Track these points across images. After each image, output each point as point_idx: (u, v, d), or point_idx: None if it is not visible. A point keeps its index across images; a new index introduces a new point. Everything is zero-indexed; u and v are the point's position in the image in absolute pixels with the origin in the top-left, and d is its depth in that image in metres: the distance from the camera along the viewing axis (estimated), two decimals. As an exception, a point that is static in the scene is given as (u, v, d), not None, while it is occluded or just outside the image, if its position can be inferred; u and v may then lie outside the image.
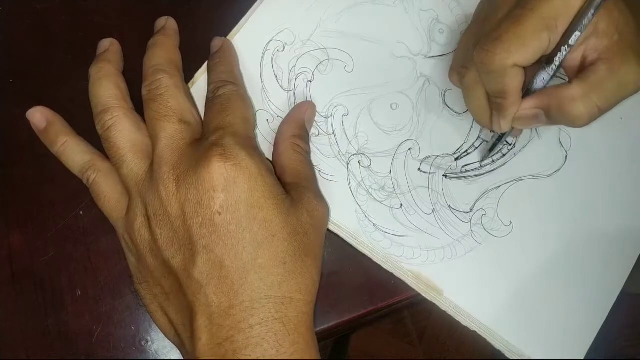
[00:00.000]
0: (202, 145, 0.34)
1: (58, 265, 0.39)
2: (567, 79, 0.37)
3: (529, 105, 0.37)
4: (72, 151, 0.38)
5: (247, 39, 0.43)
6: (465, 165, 0.43)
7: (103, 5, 0.44)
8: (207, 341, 0.32)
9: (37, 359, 0.38)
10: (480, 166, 0.43)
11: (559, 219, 0.43)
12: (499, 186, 0.43)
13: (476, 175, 0.43)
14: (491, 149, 0.41)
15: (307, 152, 0.40)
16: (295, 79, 0.43)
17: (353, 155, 0.42)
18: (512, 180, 0.43)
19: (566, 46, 0.35)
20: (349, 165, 0.42)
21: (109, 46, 0.40)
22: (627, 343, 0.53)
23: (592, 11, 0.34)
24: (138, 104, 0.38)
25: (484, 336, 0.41)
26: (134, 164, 0.35)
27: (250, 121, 0.37)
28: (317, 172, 0.41)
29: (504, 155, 0.44)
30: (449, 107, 0.44)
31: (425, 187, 0.42)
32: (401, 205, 0.42)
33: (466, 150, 0.43)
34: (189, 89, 0.38)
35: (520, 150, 0.44)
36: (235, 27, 0.43)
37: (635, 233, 0.43)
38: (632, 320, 0.53)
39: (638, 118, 0.45)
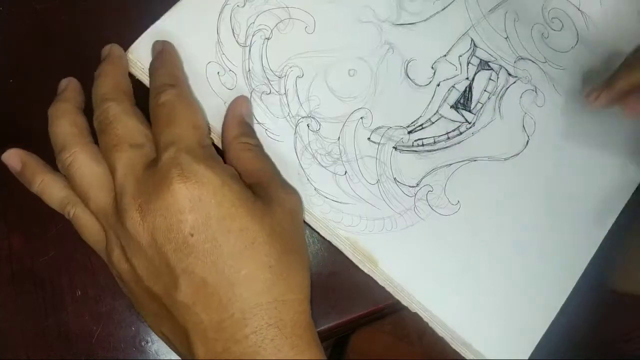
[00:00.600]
0: (158, 167, 0.33)
1: (58, 265, 0.39)
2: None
3: None
4: (50, 189, 0.37)
5: (208, -8, 0.42)
6: (418, 140, 0.42)
7: (103, 5, 0.44)
8: (204, 354, 0.32)
9: (37, 359, 0.38)
10: (435, 142, 0.42)
11: (510, 206, 0.41)
12: (451, 164, 0.42)
13: (428, 151, 0.42)
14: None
15: (257, 146, 0.39)
16: (253, 36, 0.42)
17: (303, 117, 0.42)
18: (466, 160, 0.42)
19: None
20: (297, 128, 0.41)
21: (67, 85, 0.39)
22: (627, 343, 0.51)
23: None
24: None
25: (425, 318, 0.39)
26: (98, 199, 0.34)
27: (200, 127, 0.35)
28: (263, 130, 0.41)
29: (461, 133, 0.42)
30: (410, 78, 0.43)
31: (372, 157, 0.41)
32: (345, 172, 0.41)
33: (421, 125, 0.42)
34: (140, 112, 0.37)
35: (479, 130, 0.43)
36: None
37: (591, 230, 0.41)
38: (632, 321, 0.52)
39: (608, 112, 0.43)
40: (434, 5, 0.44)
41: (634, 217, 0.41)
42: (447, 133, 0.42)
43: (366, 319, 0.41)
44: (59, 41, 0.43)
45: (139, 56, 0.41)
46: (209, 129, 0.39)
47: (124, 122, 0.35)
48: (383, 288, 0.40)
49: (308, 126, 0.41)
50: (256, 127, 0.41)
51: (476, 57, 0.44)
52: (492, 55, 0.44)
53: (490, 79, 0.43)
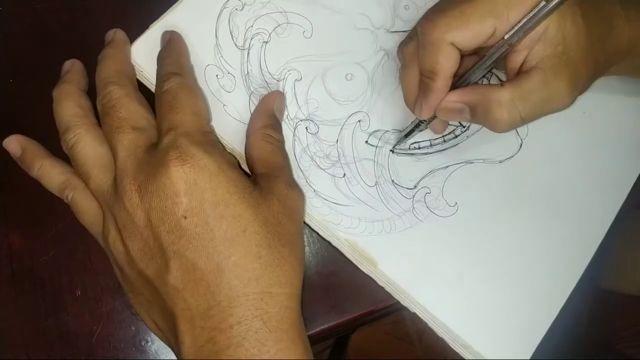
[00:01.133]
0: (157, 150, 0.33)
1: (58, 265, 0.39)
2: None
3: (455, 98, 0.36)
4: (49, 173, 0.38)
5: (206, -5, 0.43)
6: (414, 143, 0.42)
7: (103, 6, 0.44)
8: (190, 344, 0.32)
9: (37, 359, 0.38)
10: (431, 145, 0.42)
11: (507, 207, 0.42)
12: (447, 166, 0.42)
13: (425, 154, 0.42)
14: (407, 134, 0.41)
15: (280, 141, 0.39)
16: (251, 39, 0.43)
17: (301, 120, 0.42)
18: (462, 162, 0.42)
19: (503, 42, 0.34)
20: (296, 130, 0.42)
21: (70, 67, 0.40)
22: (627, 343, 0.51)
23: (543, 12, 0.32)
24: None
25: (425, 319, 0.39)
26: (99, 179, 0.35)
27: (201, 114, 0.36)
28: (262, 133, 0.41)
29: (456, 136, 0.43)
30: (405, 83, 0.43)
31: (370, 160, 0.42)
32: (344, 174, 0.41)
33: (418, 127, 0.43)
34: (142, 96, 0.38)
35: (473, 133, 0.43)
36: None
37: (590, 230, 0.42)
38: (632, 321, 0.52)
39: (601, 114, 0.45)
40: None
41: (627, 217, 0.42)
42: (443, 136, 0.43)
43: (366, 319, 0.41)
44: (59, 41, 0.43)
45: (137, 58, 0.41)
46: (211, 117, 0.39)
47: (127, 105, 0.36)
48: (383, 288, 0.40)
49: (306, 129, 0.42)
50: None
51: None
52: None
53: (482, 83, 0.44)
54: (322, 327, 0.39)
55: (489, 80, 0.44)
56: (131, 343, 0.38)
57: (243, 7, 0.43)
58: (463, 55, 0.35)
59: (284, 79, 0.42)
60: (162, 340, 0.36)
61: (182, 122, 0.34)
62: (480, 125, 0.43)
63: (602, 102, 0.44)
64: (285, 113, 0.42)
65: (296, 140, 0.41)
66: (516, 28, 0.33)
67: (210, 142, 0.35)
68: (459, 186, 0.42)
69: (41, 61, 0.43)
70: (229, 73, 0.42)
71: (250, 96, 0.41)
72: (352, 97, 0.43)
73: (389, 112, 0.43)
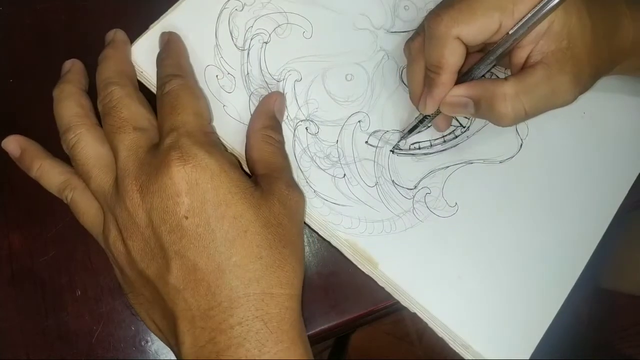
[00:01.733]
0: (159, 150, 0.33)
1: (58, 265, 0.39)
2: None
3: (459, 92, 0.36)
4: (48, 174, 0.38)
5: (206, -4, 0.43)
6: (415, 143, 0.42)
7: (103, 5, 0.44)
8: (190, 344, 0.32)
9: (37, 359, 0.38)
10: (431, 145, 0.42)
11: (508, 207, 0.42)
12: (448, 167, 0.42)
13: (425, 154, 0.42)
14: (410, 131, 0.41)
15: (280, 142, 0.39)
16: (251, 39, 0.43)
17: (301, 121, 0.42)
18: (462, 163, 0.42)
19: (508, 36, 0.34)
20: (296, 131, 0.42)
21: (71, 67, 0.40)
22: (627, 343, 0.51)
23: (548, 7, 0.32)
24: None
25: (425, 319, 0.39)
26: (99, 179, 0.35)
27: (203, 114, 0.36)
28: (262, 133, 0.41)
29: (456, 136, 0.43)
30: (405, 83, 0.43)
31: (370, 160, 0.42)
32: (344, 175, 0.41)
33: (417, 128, 0.43)
34: (143, 96, 0.38)
35: (473, 134, 0.43)
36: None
37: (588, 230, 0.42)
38: (631, 321, 0.52)
39: (602, 115, 0.44)
40: (426, 14, 0.45)
41: (627, 217, 0.42)
42: (443, 137, 0.43)
43: (366, 319, 0.41)
44: (59, 41, 0.43)
45: (137, 59, 0.41)
46: (212, 117, 0.39)
47: (128, 106, 0.36)
48: (383, 288, 0.40)
49: (307, 129, 0.42)
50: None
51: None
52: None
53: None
54: (322, 327, 0.39)
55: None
56: (131, 343, 0.38)
57: (243, 8, 0.43)
58: (468, 51, 0.35)
59: (284, 79, 0.42)
60: (162, 340, 0.36)
61: (183, 122, 0.34)
62: (481, 126, 0.43)
63: (602, 102, 0.44)
64: (285, 113, 0.42)
65: (296, 141, 0.41)
66: (521, 23, 0.33)
67: (212, 143, 0.35)
68: (459, 186, 0.42)
69: (41, 61, 0.43)
70: (228, 74, 0.42)
71: (250, 97, 0.41)
72: (352, 98, 0.43)
73: (389, 113, 0.43)
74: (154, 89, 0.40)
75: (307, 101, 0.42)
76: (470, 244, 0.41)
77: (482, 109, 0.36)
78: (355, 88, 0.43)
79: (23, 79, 0.42)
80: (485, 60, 0.36)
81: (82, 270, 0.39)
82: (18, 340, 0.37)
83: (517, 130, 0.44)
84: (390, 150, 0.42)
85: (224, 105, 0.41)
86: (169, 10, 0.42)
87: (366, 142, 0.42)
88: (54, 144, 0.38)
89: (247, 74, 0.42)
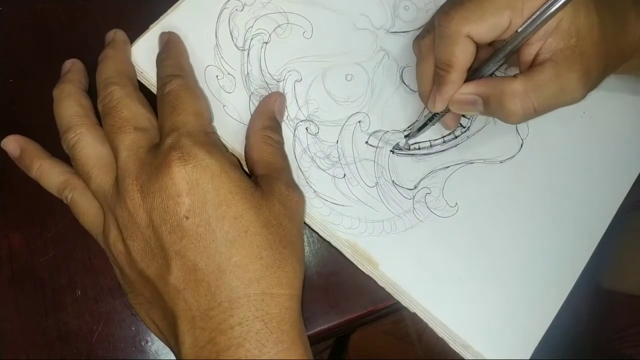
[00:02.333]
0: (160, 150, 0.33)
1: (58, 265, 0.39)
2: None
3: (468, 90, 0.36)
4: (48, 174, 0.38)
5: (206, -4, 0.43)
6: (415, 143, 0.42)
7: (103, 6, 0.44)
8: (190, 345, 0.32)
9: (37, 359, 0.38)
10: (431, 145, 0.42)
11: (508, 207, 0.42)
12: (448, 167, 0.42)
13: (425, 154, 0.42)
14: (420, 129, 0.41)
15: (279, 143, 0.39)
16: (251, 39, 0.43)
17: (301, 121, 0.42)
18: (462, 163, 0.42)
19: (517, 34, 0.34)
20: (296, 131, 0.42)
21: (71, 66, 0.40)
22: (626, 344, 0.51)
23: (558, 4, 0.33)
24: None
25: (425, 319, 0.39)
26: (100, 179, 0.35)
27: (203, 114, 0.36)
28: (262, 133, 0.41)
29: (456, 137, 0.43)
30: (405, 84, 0.43)
31: (370, 160, 0.42)
32: (344, 175, 0.41)
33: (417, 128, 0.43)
34: (143, 96, 0.38)
35: (474, 134, 0.43)
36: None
37: (589, 230, 0.42)
38: (630, 321, 0.52)
39: (601, 115, 0.44)
40: (426, 14, 0.45)
41: (627, 217, 0.42)
42: (443, 137, 0.43)
43: (366, 319, 0.41)
44: (59, 41, 0.43)
45: (137, 59, 0.41)
46: (213, 117, 0.39)
47: (129, 106, 0.36)
48: (383, 288, 0.40)
49: (307, 129, 0.42)
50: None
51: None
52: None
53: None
54: (322, 327, 0.39)
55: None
56: (131, 343, 0.38)
57: (243, 8, 0.43)
58: (478, 48, 0.36)
59: (284, 79, 0.42)
60: (162, 341, 0.36)
61: (184, 122, 0.34)
62: (481, 126, 0.43)
63: (602, 101, 0.44)
64: (286, 114, 0.42)
65: (296, 141, 0.41)
66: (530, 20, 0.33)
67: (213, 143, 0.35)
68: (459, 186, 0.42)
69: (41, 61, 0.43)
70: (229, 74, 0.42)
71: (250, 97, 0.41)
72: (352, 98, 0.42)
73: (389, 113, 0.43)
74: (154, 89, 0.40)
75: (307, 101, 0.42)
76: (470, 244, 0.41)
77: (491, 106, 0.36)
78: (355, 88, 0.43)
79: (23, 79, 0.42)
80: (495, 58, 0.36)
81: (82, 270, 0.39)
82: (18, 340, 0.37)
83: (517, 130, 0.44)
84: (391, 151, 0.42)
85: (224, 106, 0.41)
86: (169, 10, 0.42)
87: (366, 142, 0.42)
88: (54, 143, 0.38)
89: (247, 74, 0.42)
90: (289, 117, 0.42)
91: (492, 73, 0.37)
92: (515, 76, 0.35)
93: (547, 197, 0.42)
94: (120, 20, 0.42)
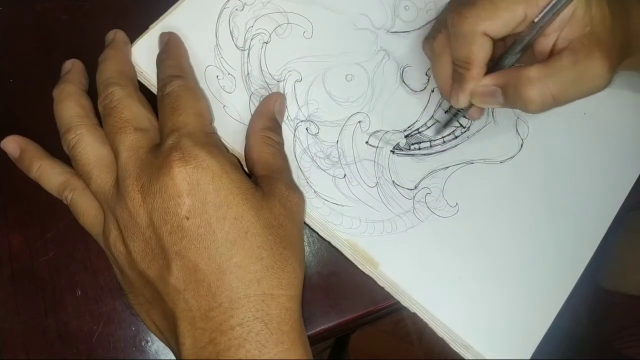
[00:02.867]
0: (160, 151, 0.33)
1: (58, 265, 0.39)
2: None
3: (488, 82, 0.36)
4: (48, 174, 0.38)
5: (206, -4, 0.43)
6: (415, 144, 0.42)
7: (103, 6, 0.44)
8: (191, 345, 0.32)
9: (37, 359, 0.37)
10: (431, 146, 0.42)
11: (508, 207, 0.42)
12: (448, 167, 0.42)
13: (425, 154, 0.42)
14: (445, 125, 0.41)
15: (279, 143, 0.39)
16: (251, 39, 0.42)
17: (301, 121, 0.42)
18: (463, 163, 0.42)
19: (533, 25, 0.34)
20: (296, 131, 0.42)
21: (71, 67, 0.40)
22: (626, 344, 0.51)
23: None
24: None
25: (424, 319, 0.39)
26: (100, 179, 0.35)
27: (204, 115, 0.36)
28: (262, 133, 0.41)
29: (456, 137, 0.43)
30: (405, 83, 0.43)
31: (371, 161, 0.41)
32: (345, 175, 0.41)
33: (417, 129, 0.43)
34: (143, 97, 0.38)
35: (473, 134, 0.43)
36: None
37: (589, 230, 0.42)
38: (630, 321, 0.52)
39: (601, 115, 0.45)
40: (427, 14, 0.45)
41: (628, 217, 0.42)
42: (443, 137, 0.43)
43: (366, 319, 0.40)
44: (59, 41, 0.43)
45: (137, 59, 0.41)
46: (213, 118, 0.39)
47: (129, 106, 0.36)
48: (383, 288, 0.40)
49: (307, 129, 0.42)
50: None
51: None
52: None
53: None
54: (322, 327, 0.39)
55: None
56: (131, 343, 0.38)
57: (243, 8, 0.43)
58: (496, 40, 0.36)
59: (284, 79, 0.42)
60: (162, 341, 0.36)
61: (185, 123, 0.34)
62: (481, 126, 0.43)
63: (602, 102, 0.44)
64: (286, 114, 0.42)
65: (296, 141, 0.41)
66: (545, 10, 0.34)
67: (213, 143, 0.35)
68: (459, 186, 0.42)
69: (41, 61, 0.43)
70: (229, 74, 0.42)
71: (250, 97, 0.41)
72: (352, 98, 0.42)
73: (389, 113, 0.43)
74: (154, 90, 0.40)
75: (308, 101, 0.42)
76: (471, 244, 0.41)
77: (510, 96, 0.36)
78: (356, 88, 0.43)
79: (23, 79, 0.42)
80: (513, 50, 0.36)
81: (82, 270, 0.39)
82: (18, 340, 0.37)
83: (517, 130, 0.44)
84: (391, 151, 0.42)
85: (224, 106, 0.41)
86: (169, 10, 0.42)
87: (366, 142, 0.42)
88: (54, 143, 0.38)
89: (248, 74, 0.42)
90: (289, 118, 0.42)
91: (512, 65, 0.37)
92: (532, 65, 0.35)
93: (547, 197, 0.42)
94: (120, 21, 0.42)
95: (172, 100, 0.35)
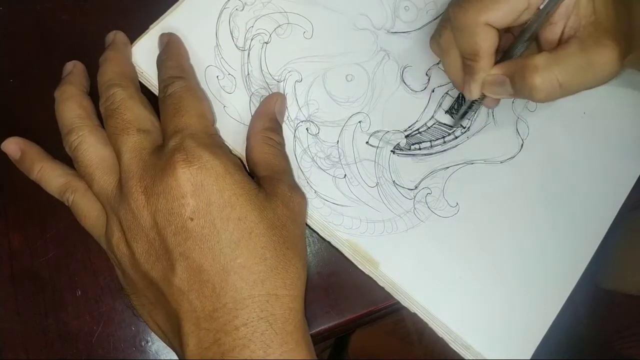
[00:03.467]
0: (163, 152, 0.33)
1: (58, 265, 0.39)
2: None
3: (496, 71, 0.36)
4: (49, 176, 0.38)
5: (207, -4, 0.43)
6: (415, 144, 0.42)
7: (103, 6, 0.44)
8: (195, 346, 0.32)
9: (37, 359, 0.37)
10: (431, 146, 0.42)
11: (509, 207, 0.42)
12: (448, 167, 0.42)
13: (425, 155, 0.42)
14: (462, 115, 0.41)
15: (280, 144, 0.39)
16: (252, 40, 0.42)
17: (302, 122, 0.42)
18: (463, 163, 0.42)
19: (539, 12, 0.34)
20: (297, 132, 0.42)
21: (72, 68, 0.40)
22: (626, 344, 0.51)
23: None
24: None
25: (424, 319, 0.39)
26: (102, 181, 0.35)
27: (206, 116, 0.36)
28: (263, 134, 0.41)
29: (456, 137, 0.43)
30: (406, 84, 0.43)
31: (371, 161, 0.41)
32: (345, 175, 0.41)
33: (418, 129, 0.43)
34: (145, 98, 0.38)
35: (474, 134, 0.43)
36: (196, -18, 0.43)
37: (590, 230, 0.42)
38: (631, 321, 0.52)
39: (601, 115, 0.45)
40: (427, 14, 0.45)
41: (628, 217, 0.42)
42: (443, 137, 0.43)
43: (366, 319, 0.40)
44: (59, 41, 0.43)
45: (137, 60, 0.41)
46: (215, 119, 0.39)
47: (131, 107, 0.36)
48: (383, 288, 0.40)
49: (307, 130, 0.42)
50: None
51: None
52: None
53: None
54: (322, 327, 0.39)
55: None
56: (131, 343, 0.38)
57: (243, 8, 0.43)
58: (500, 30, 0.35)
59: (284, 80, 0.42)
60: (165, 342, 0.36)
61: (187, 124, 0.34)
62: (481, 126, 0.43)
63: (602, 102, 0.44)
64: (286, 114, 0.42)
65: (297, 141, 0.41)
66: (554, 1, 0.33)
67: (217, 144, 0.35)
68: (460, 187, 0.42)
69: (41, 61, 0.43)
70: (229, 74, 0.42)
71: (250, 97, 0.41)
72: (353, 98, 0.42)
73: (390, 113, 0.43)
74: (154, 90, 0.40)
75: (308, 102, 0.42)
76: (471, 244, 0.41)
77: (517, 84, 0.35)
78: (356, 88, 0.43)
79: (23, 79, 0.42)
80: (521, 39, 0.36)
81: (82, 270, 0.39)
82: (18, 340, 0.37)
83: (517, 130, 0.44)
84: (391, 151, 0.42)
85: (224, 106, 0.41)
86: (169, 11, 0.42)
87: (367, 142, 0.42)
88: (54, 144, 0.38)
89: (248, 74, 0.42)
90: (289, 118, 0.42)
91: (521, 54, 0.37)
92: (539, 53, 0.35)
93: (547, 197, 0.42)
94: (120, 21, 0.42)
95: (174, 101, 0.35)
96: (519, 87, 0.35)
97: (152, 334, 0.38)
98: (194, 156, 0.33)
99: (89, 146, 0.36)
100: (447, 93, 0.44)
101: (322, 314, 0.39)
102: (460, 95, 0.43)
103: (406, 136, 0.42)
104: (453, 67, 0.39)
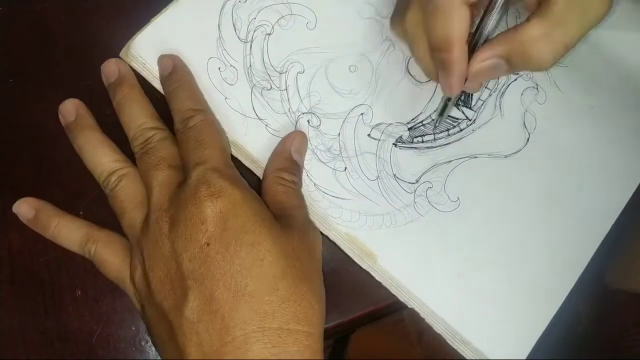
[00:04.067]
0: (187, 184, 0.34)
1: (58, 265, 0.40)
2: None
3: (486, 56, 0.34)
4: (67, 230, 0.38)
5: (210, -13, 0.42)
6: (418, 136, 0.42)
7: (103, 6, 0.44)
8: None
9: (37, 359, 0.38)
10: (435, 139, 0.42)
11: (510, 202, 0.41)
12: (451, 161, 0.41)
13: (428, 148, 0.42)
14: (441, 112, 0.40)
15: (294, 183, 0.39)
16: (254, 31, 0.42)
17: (303, 113, 0.42)
18: (466, 157, 0.42)
19: None
20: (298, 124, 0.41)
21: (77, 109, 0.40)
22: (632, 343, 0.51)
23: None
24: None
25: (422, 315, 0.39)
26: (132, 214, 0.36)
27: (226, 149, 0.38)
28: (264, 126, 0.41)
29: (461, 130, 0.42)
30: (411, 74, 0.43)
31: (372, 154, 0.41)
32: (345, 168, 0.41)
33: (422, 122, 0.42)
34: (173, 136, 0.39)
35: (479, 127, 0.42)
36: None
37: (592, 228, 0.41)
38: (632, 321, 0.51)
39: (610, 108, 0.43)
40: None
41: (635, 214, 0.40)
42: (447, 130, 0.42)
43: (366, 319, 0.40)
44: (59, 41, 0.43)
45: (140, 51, 0.41)
46: (230, 150, 0.40)
47: (167, 147, 0.38)
48: (384, 288, 0.39)
49: (308, 122, 0.42)
50: (256, 123, 0.41)
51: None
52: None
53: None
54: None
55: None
56: (131, 343, 0.39)
57: (246, 0, 0.43)
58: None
59: (286, 71, 0.42)
60: None
61: (210, 156, 0.35)
62: (487, 119, 0.42)
63: (609, 95, 0.43)
64: (287, 106, 0.42)
65: (298, 134, 0.41)
66: None
67: (236, 176, 0.36)
68: (461, 181, 0.41)
69: (41, 61, 0.43)
70: (231, 66, 0.42)
71: (252, 89, 0.42)
72: (356, 90, 0.42)
73: (393, 105, 0.42)
74: (156, 83, 0.41)
75: (310, 93, 0.42)
76: (471, 239, 0.40)
77: (516, 62, 0.34)
78: (359, 80, 0.42)
79: (23, 79, 0.42)
80: (494, 9, 0.34)
81: (82, 270, 0.39)
82: (18, 340, 0.38)
83: (524, 123, 0.43)
84: (393, 144, 0.41)
85: (226, 98, 0.41)
86: (171, 3, 0.42)
87: (368, 135, 0.42)
88: (54, 144, 0.38)
89: (250, 66, 0.42)
90: (290, 109, 0.42)
91: (494, 30, 0.35)
92: (528, 20, 0.33)
93: (551, 193, 0.41)
94: (119, 20, 0.42)
95: (196, 134, 0.37)
96: (520, 64, 0.34)
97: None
98: (217, 187, 0.33)
99: (127, 182, 0.37)
100: (454, 84, 0.43)
101: (323, 313, 0.40)
102: None
103: (409, 129, 0.42)
104: (426, 54, 0.36)
